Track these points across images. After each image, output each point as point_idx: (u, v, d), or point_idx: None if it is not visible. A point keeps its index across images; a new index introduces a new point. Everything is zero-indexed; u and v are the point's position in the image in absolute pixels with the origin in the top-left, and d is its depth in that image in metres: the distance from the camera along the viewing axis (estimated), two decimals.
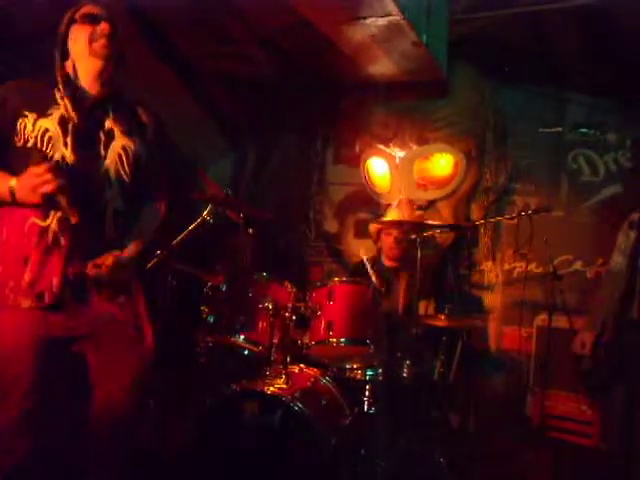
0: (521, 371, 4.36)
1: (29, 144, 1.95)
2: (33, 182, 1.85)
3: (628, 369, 2.23)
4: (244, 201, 4.78)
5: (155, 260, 3.21)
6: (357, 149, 4.96)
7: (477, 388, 4.22)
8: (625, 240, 2.88)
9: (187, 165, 4.71)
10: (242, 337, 2.98)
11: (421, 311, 3.72)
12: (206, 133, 5.19)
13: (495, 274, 4.63)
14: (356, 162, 4.93)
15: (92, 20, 2.03)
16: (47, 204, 1.90)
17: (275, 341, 2.92)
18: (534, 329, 4.27)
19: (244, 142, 5.50)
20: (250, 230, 3.57)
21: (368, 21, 3.51)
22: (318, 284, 3.03)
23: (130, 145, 2.09)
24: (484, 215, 4.59)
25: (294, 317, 2.97)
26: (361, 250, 4.42)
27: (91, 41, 2.02)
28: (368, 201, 4.91)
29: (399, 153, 4.65)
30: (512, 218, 4.03)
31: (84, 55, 2.04)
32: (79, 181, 1.94)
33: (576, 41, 3.88)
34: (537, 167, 4.61)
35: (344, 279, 3.17)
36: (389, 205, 4.51)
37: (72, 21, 2.05)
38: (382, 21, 3.48)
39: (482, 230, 4.64)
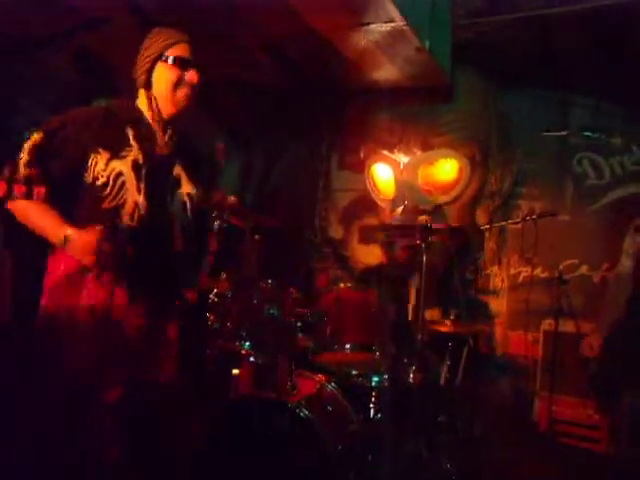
0: (528, 376, 4.35)
1: (99, 182, 1.92)
2: (87, 244, 1.82)
3: (636, 372, 2.22)
4: (251, 208, 4.80)
5: None
6: (362, 155, 4.97)
7: (484, 393, 4.21)
8: (631, 244, 2.87)
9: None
10: (247, 344, 2.98)
11: (428, 317, 3.72)
12: (212, 140, 5.20)
13: (501, 279, 4.62)
14: (361, 168, 4.94)
15: (182, 64, 2.02)
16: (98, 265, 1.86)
17: (281, 347, 2.91)
18: (541, 334, 4.26)
19: (250, 148, 5.52)
20: (256, 237, 3.58)
21: (372, 27, 3.52)
22: (324, 290, 3.03)
23: (193, 192, 2.09)
24: (489, 220, 4.58)
25: (300, 323, 2.97)
26: (368, 256, 4.43)
27: (176, 87, 2.00)
28: (373, 207, 4.92)
29: (404, 159, 4.66)
30: (517, 222, 4.02)
31: (164, 97, 2.03)
32: (148, 228, 1.95)
33: (581, 45, 3.88)
34: (542, 171, 4.60)
35: (350, 285, 3.17)
36: (394, 211, 4.52)
37: (161, 57, 2.02)
38: (385, 27, 3.50)
39: (488, 235, 4.63)
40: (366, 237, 4.92)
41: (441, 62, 4.07)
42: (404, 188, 4.62)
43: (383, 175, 4.78)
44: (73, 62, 3.90)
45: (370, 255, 4.69)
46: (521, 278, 4.56)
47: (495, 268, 4.64)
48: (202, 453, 2.67)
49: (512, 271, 4.60)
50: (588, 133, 4.44)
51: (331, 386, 3.01)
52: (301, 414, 2.57)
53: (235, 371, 3.18)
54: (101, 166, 1.92)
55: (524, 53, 4.20)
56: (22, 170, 1.89)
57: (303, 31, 3.65)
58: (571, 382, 3.77)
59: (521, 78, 4.53)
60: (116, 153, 1.94)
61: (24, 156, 1.89)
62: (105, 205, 1.91)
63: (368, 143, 4.92)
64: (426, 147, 4.68)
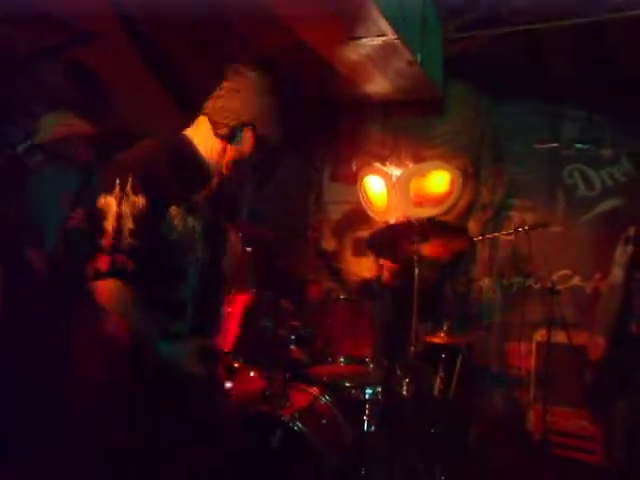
0: (522, 387, 4.35)
1: (172, 237, 1.79)
2: None
3: (629, 383, 2.23)
4: (244, 220, 4.79)
5: None
6: (354, 167, 4.99)
7: (478, 404, 4.21)
8: (622, 254, 2.89)
9: None
10: (241, 357, 2.97)
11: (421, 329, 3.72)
12: None
13: (493, 290, 4.64)
14: (353, 180, 4.96)
15: (260, 148, 2.00)
16: None
17: (274, 360, 2.91)
18: (533, 344, 4.27)
19: None
20: (248, 249, 3.58)
21: (363, 41, 3.55)
22: (317, 302, 3.03)
23: (233, 241, 2.08)
24: (482, 231, 4.60)
25: (293, 336, 2.96)
26: (361, 269, 4.43)
27: (241, 162, 1.98)
28: (366, 219, 4.93)
29: (395, 171, 4.68)
30: (509, 234, 4.05)
31: (231, 159, 1.97)
32: (204, 282, 1.88)
33: (569, 58, 3.93)
34: (533, 183, 4.63)
35: (343, 298, 3.18)
36: (386, 223, 4.53)
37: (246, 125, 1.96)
38: (377, 41, 3.53)
39: (480, 246, 4.65)
40: (359, 249, 4.93)
41: (432, 75, 4.11)
42: (396, 200, 4.63)
43: (375, 187, 4.79)
44: (65, 75, 3.90)
45: (364, 268, 4.69)
46: (514, 289, 4.58)
47: (487, 279, 4.66)
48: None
49: (504, 282, 4.62)
50: (579, 145, 4.48)
51: (325, 399, 3.00)
52: (295, 427, 2.56)
53: (228, 384, 3.17)
54: (178, 221, 1.81)
55: (514, 66, 4.25)
56: (126, 240, 1.70)
57: (295, 44, 3.67)
58: (565, 393, 3.77)
59: (512, 91, 4.57)
60: (189, 208, 1.84)
61: (127, 224, 1.70)
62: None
63: (360, 155, 4.94)
64: (418, 159, 4.70)
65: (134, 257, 1.69)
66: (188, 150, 1.93)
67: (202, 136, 1.95)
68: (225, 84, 1.99)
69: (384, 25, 3.33)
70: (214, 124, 1.93)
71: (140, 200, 1.70)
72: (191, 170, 1.90)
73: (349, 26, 3.39)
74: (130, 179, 1.71)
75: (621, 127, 4.37)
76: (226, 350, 2.84)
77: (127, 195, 1.70)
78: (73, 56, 3.72)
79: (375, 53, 3.69)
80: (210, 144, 1.95)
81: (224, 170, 1.97)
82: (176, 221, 1.79)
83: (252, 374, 2.94)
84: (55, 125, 3.43)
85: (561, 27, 3.67)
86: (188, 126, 1.99)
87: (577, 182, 4.54)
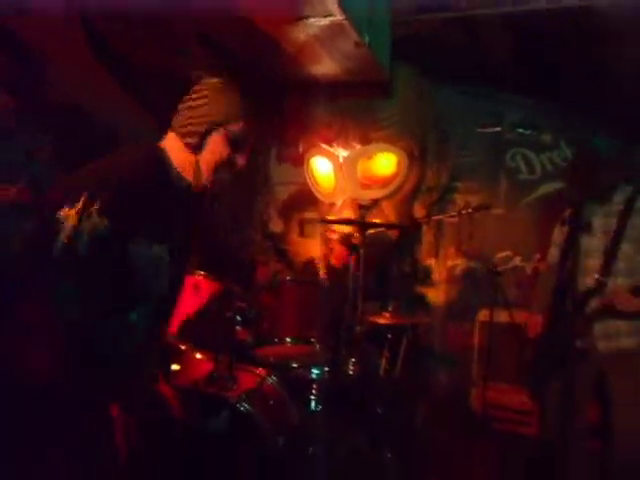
0: (465, 365, 4.45)
1: (135, 264, 1.73)
2: None
3: (564, 361, 2.31)
4: None
5: None
6: (301, 148, 4.97)
7: (423, 383, 4.29)
8: (559, 235, 2.98)
9: None
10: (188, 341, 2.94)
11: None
12: (144, 132, 5.09)
13: (438, 271, 4.72)
14: (300, 161, 4.94)
15: (237, 145, 1.93)
16: None
17: (220, 342, 2.89)
18: (477, 324, 4.36)
19: None
20: None
21: (310, 21, 3.51)
22: (264, 284, 3.02)
23: None
24: (427, 213, 4.67)
25: (239, 317, 2.95)
26: (308, 249, 4.44)
27: (221, 165, 1.92)
28: (313, 200, 4.93)
29: (342, 153, 4.68)
30: (453, 216, 4.11)
31: (204, 169, 1.91)
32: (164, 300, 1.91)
33: (510, 45, 4.00)
34: (477, 166, 4.72)
35: (289, 279, 3.17)
36: (333, 204, 4.54)
37: (218, 126, 1.89)
38: (324, 21, 3.49)
39: (425, 228, 4.72)
40: (306, 231, 4.93)
41: (380, 57, 4.10)
42: (343, 182, 4.64)
43: (322, 168, 4.79)
44: None
45: (310, 249, 4.70)
46: (457, 270, 4.68)
47: (432, 261, 4.74)
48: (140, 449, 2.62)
49: (449, 263, 4.70)
50: (521, 130, 4.58)
51: (272, 379, 3.01)
52: (242, 409, 2.56)
53: (175, 367, 3.13)
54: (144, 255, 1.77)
55: (459, 51, 4.29)
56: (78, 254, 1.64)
57: (240, 22, 3.60)
58: (505, 370, 3.88)
59: (457, 75, 4.62)
60: (156, 238, 1.79)
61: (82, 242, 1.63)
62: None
63: (307, 137, 4.92)
64: (365, 141, 4.72)
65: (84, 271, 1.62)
66: (165, 168, 1.86)
67: (174, 152, 1.90)
68: (191, 94, 1.95)
69: (332, 5, 3.30)
70: (183, 136, 1.88)
71: (103, 223, 1.62)
72: (166, 191, 1.83)
73: (296, 5, 3.35)
74: (98, 199, 1.62)
75: (560, 113, 4.49)
76: (172, 333, 2.81)
77: (90, 215, 1.61)
78: (3, 24, 3.56)
79: (322, 33, 3.66)
80: (183, 158, 1.89)
81: (202, 182, 1.91)
82: (140, 250, 1.73)
83: (199, 356, 2.92)
84: None
85: (501, 14, 3.72)
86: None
87: (519, 166, 4.65)
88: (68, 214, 1.60)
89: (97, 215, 1.62)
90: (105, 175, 1.72)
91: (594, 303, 2.65)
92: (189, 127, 1.89)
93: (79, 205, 1.61)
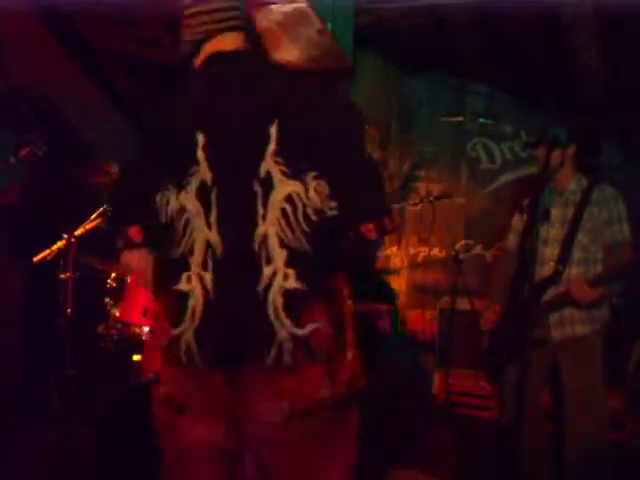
0: (427, 352, 4.51)
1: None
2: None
3: (520, 348, 2.36)
4: None
5: (50, 252, 3.11)
6: None
7: (385, 371, 4.33)
8: (518, 222, 3.02)
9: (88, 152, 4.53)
10: (148, 329, 2.92)
11: None
12: (110, 119, 5.00)
13: (400, 259, 4.77)
14: None
15: None
16: None
17: None
18: (438, 311, 4.42)
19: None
20: None
21: (273, 7, 3.48)
22: None
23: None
24: (389, 201, 4.69)
25: None
26: None
27: None
28: None
29: None
30: (415, 204, 4.16)
31: None
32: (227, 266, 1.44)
33: (472, 36, 4.03)
34: (439, 155, 4.77)
35: None
36: None
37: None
38: (288, 8, 3.47)
39: None
40: None
41: (343, 45, 4.09)
42: None
43: None
44: None
45: None
46: (419, 258, 4.73)
47: (395, 248, 4.77)
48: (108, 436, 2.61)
49: (411, 251, 4.75)
50: (482, 119, 4.64)
51: None
52: None
53: (136, 357, 3.11)
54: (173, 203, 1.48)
55: (422, 39, 4.30)
56: None
57: None
58: (466, 356, 3.95)
59: (420, 64, 4.65)
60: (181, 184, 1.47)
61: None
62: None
63: None
64: None
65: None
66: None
67: None
68: None
69: None
70: None
71: None
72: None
73: None
74: None
75: (520, 103, 4.55)
76: (132, 321, 2.78)
77: None
78: None
79: (285, 20, 3.63)
80: None
81: None
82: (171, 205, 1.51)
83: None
84: None
85: (464, 4, 3.74)
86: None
87: (480, 155, 4.71)
88: None
89: None
90: None
91: (551, 292, 2.70)
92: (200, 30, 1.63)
93: None
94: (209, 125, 1.46)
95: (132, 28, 4.11)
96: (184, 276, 1.44)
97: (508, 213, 3.37)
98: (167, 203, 1.47)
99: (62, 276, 3.33)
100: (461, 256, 4.03)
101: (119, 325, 3.10)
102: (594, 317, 2.72)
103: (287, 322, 1.39)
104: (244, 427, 1.42)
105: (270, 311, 1.39)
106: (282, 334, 1.38)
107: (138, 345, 3.06)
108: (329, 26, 3.75)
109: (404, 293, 4.73)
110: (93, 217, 3.31)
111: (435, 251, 4.62)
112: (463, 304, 3.88)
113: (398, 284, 4.75)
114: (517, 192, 4.24)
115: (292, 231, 1.40)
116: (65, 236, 3.30)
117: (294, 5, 3.43)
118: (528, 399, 2.21)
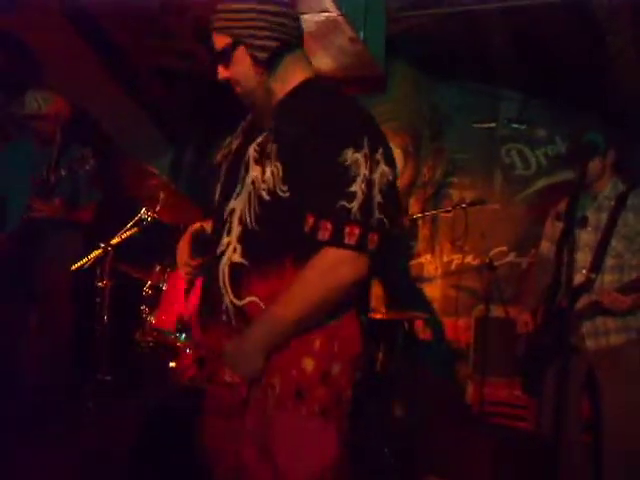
0: (461, 360, 4.47)
1: None
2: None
3: (557, 357, 2.32)
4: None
5: (87, 260, 3.18)
6: None
7: (419, 378, 4.30)
8: (552, 230, 2.96)
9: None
10: (184, 337, 2.95)
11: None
12: (143, 129, 5.09)
13: (434, 266, 4.74)
14: None
15: None
16: None
17: None
18: (472, 319, 4.38)
19: (182, 138, 5.41)
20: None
21: (305, 17, 3.51)
22: None
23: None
24: (422, 209, 4.68)
25: None
26: None
27: None
28: None
29: None
30: (448, 211, 4.13)
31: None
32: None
33: (506, 41, 4.00)
34: (472, 161, 4.73)
35: None
36: None
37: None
38: (319, 17, 3.49)
39: (420, 223, 4.73)
40: None
41: (375, 53, 4.10)
42: None
43: None
44: None
45: None
46: (453, 265, 4.69)
47: (428, 256, 4.75)
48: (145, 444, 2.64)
49: (444, 259, 4.72)
50: (515, 125, 4.59)
51: None
52: None
53: (172, 364, 3.14)
54: None
55: (454, 46, 4.29)
56: (377, 213, 1.47)
57: None
58: (501, 365, 3.90)
59: (452, 71, 4.63)
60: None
61: (377, 193, 1.47)
62: None
63: None
64: None
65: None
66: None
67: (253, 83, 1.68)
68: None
69: (327, 1, 3.30)
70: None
71: (387, 169, 1.52)
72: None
73: (291, 2, 3.35)
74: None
75: (554, 108, 4.50)
76: (168, 328, 2.81)
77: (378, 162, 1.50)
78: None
79: (317, 29, 3.65)
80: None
81: None
82: None
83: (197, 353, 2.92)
84: (41, 101, 3.38)
85: (497, 9, 3.72)
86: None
87: (514, 161, 4.66)
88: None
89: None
90: None
91: (583, 300, 2.63)
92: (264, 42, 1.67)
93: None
94: None
95: (165, 40, 4.19)
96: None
97: (543, 220, 3.32)
98: None
99: (99, 284, 3.40)
100: (495, 263, 3.99)
101: (155, 332, 3.14)
102: (629, 326, 2.64)
103: (229, 291, 1.56)
104: None
105: (220, 279, 1.57)
106: (226, 301, 1.56)
107: (173, 352, 3.10)
108: (361, 34, 3.77)
109: (438, 301, 4.69)
110: (129, 226, 3.37)
111: (469, 258, 4.58)
112: (498, 312, 3.84)
113: (432, 292, 4.72)
114: (552, 198, 4.18)
115: (248, 210, 1.54)
116: (102, 245, 3.37)
117: (326, 14, 3.46)
118: (566, 409, 2.17)
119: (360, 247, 1.45)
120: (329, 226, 1.44)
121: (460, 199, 4.55)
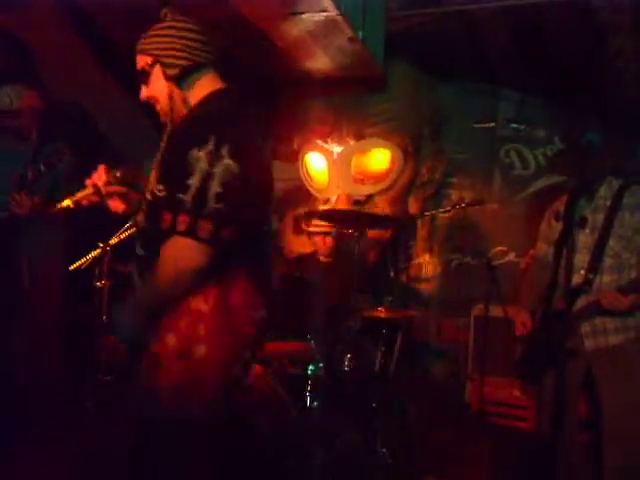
0: (460, 360, 4.47)
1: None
2: None
3: (556, 357, 2.31)
4: None
5: (86, 261, 3.17)
6: (295, 145, 4.95)
7: (418, 378, 4.31)
8: (548, 230, 2.94)
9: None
10: None
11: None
12: (142, 128, 5.08)
13: (433, 266, 4.73)
14: (294, 158, 4.92)
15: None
16: None
17: None
18: (471, 319, 4.38)
19: None
20: None
21: (304, 16, 3.51)
22: None
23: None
24: (421, 209, 4.67)
25: None
26: (302, 246, 4.44)
27: None
28: (307, 197, 4.92)
29: (337, 148, 4.67)
30: (447, 211, 4.13)
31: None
32: None
33: (505, 41, 3.99)
34: (472, 161, 4.73)
35: (285, 275, 3.18)
36: (328, 200, 4.53)
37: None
38: (318, 17, 3.49)
39: (419, 223, 4.73)
40: (299, 227, 4.92)
41: (374, 53, 4.10)
42: (337, 178, 4.64)
43: (317, 164, 4.79)
44: None
45: (304, 245, 4.70)
46: (452, 265, 4.69)
47: (427, 256, 4.75)
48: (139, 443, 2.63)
49: (443, 258, 4.71)
50: (514, 125, 4.59)
51: (267, 375, 3.01)
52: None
53: None
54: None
55: (453, 46, 4.29)
56: (212, 203, 1.64)
57: (234, 19, 3.60)
58: (500, 365, 3.90)
59: (451, 71, 4.63)
60: None
61: (217, 185, 1.64)
62: None
63: (301, 133, 4.91)
64: (359, 137, 4.71)
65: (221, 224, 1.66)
66: None
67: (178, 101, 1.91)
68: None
69: (326, 1, 3.30)
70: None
71: (230, 163, 1.67)
72: None
73: (290, 1, 3.34)
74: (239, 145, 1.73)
75: (553, 108, 4.49)
76: None
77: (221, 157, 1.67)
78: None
79: (316, 29, 3.65)
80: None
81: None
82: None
83: None
84: (13, 96, 3.35)
85: (495, 9, 3.72)
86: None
87: (513, 161, 4.66)
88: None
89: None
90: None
91: (581, 301, 2.63)
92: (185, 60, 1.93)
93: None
94: None
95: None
96: None
97: (542, 220, 3.31)
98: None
99: (98, 284, 3.40)
100: (494, 263, 3.99)
101: None
102: (628, 326, 2.63)
103: (136, 276, 1.85)
104: None
105: None
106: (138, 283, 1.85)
107: None
108: (360, 34, 3.76)
109: (437, 301, 4.69)
110: (127, 226, 3.36)
111: (468, 258, 4.58)
112: (497, 311, 3.83)
113: (431, 291, 4.71)
114: (551, 198, 4.18)
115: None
116: (101, 245, 3.36)
117: (325, 14, 3.45)
118: (565, 409, 2.17)
119: (189, 234, 1.62)
120: (168, 216, 1.66)
121: (459, 199, 4.55)
